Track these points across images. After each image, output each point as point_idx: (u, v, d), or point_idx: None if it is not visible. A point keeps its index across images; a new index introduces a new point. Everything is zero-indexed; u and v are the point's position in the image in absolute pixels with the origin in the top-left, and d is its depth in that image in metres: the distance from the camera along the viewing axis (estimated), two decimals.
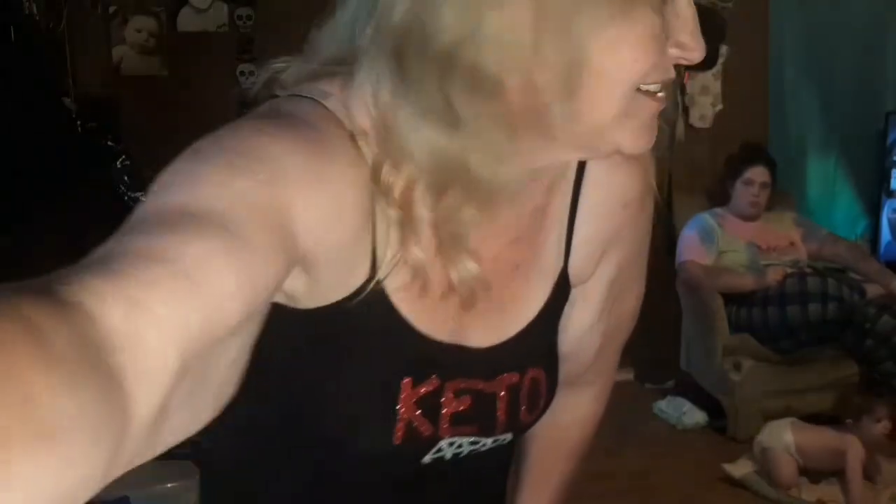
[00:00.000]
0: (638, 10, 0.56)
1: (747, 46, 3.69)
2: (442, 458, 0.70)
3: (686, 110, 3.70)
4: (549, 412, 0.76)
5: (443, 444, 0.70)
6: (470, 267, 0.63)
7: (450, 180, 0.59)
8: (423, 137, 0.57)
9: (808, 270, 3.13)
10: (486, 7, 0.53)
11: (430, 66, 0.55)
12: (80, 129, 2.70)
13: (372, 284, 0.62)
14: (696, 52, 0.63)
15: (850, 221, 3.92)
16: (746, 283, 3.07)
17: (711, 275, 3.17)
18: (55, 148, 2.51)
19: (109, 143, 2.75)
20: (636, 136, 0.61)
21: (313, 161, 0.56)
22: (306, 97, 0.61)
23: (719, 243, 3.23)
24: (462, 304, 0.66)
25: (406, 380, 0.66)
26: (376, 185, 0.60)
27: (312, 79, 0.62)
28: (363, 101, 0.60)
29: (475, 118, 0.56)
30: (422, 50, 0.55)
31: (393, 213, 0.61)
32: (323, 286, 0.61)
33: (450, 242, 0.63)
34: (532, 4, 0.53)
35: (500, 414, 0.71)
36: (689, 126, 3.71)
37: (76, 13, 3.09)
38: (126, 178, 2.78)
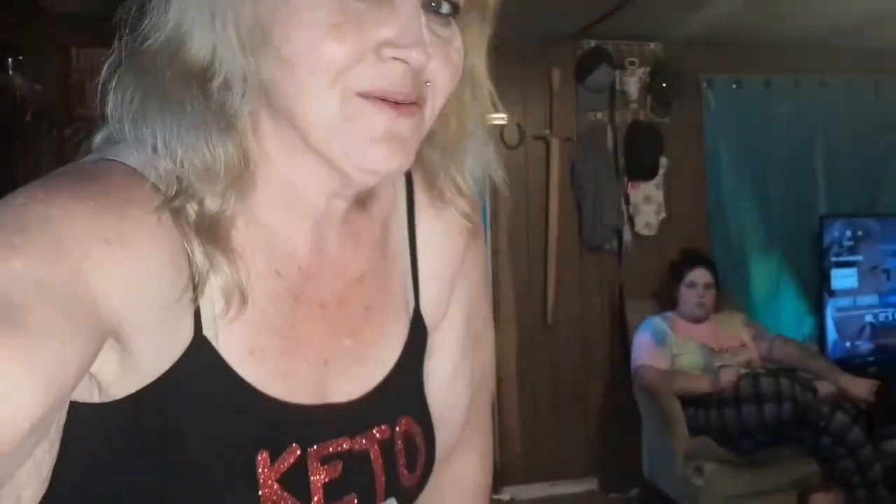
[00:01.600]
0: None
1: (685, 158, 3.89)
2: None
3: (631, 219, 3.83)
4: (433, 492, 0.71)
5: None
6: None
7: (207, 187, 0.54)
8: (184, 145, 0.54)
9: (760, 371, 3.18)
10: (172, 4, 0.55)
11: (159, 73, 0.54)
12: None
13: (196, 346, 0.55)
14: (411, 51, 0.54)
15: (796, 321, 4.02)
16: (702, 385, 3.10)
17: (667, 378, 3.19)
18: None
19: None
20: (366, 149, 0.56)
21: (102, 218, 0.50)
22: (105, 158, 0.56)
23: (672, 346, 3.28)
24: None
25: (261, 456, 0.58)
26: (179, 226, 0.54)
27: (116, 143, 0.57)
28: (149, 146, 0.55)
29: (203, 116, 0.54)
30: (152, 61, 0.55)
31: (201, 252, 0.54)
32: (142, 358, 0.53)
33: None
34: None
35: (378, 475, 0.64)
36: (635, 234, 3.83)
37: (31, 137, 3.12)
38: None
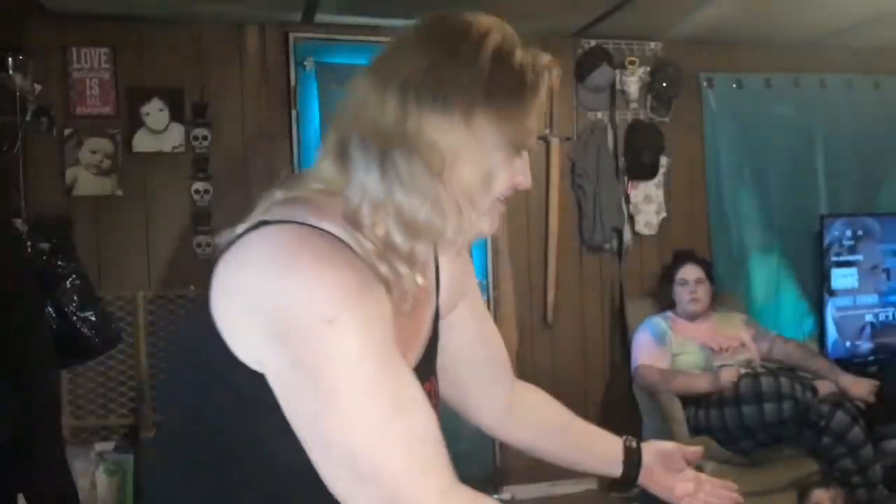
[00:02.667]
0: (513, 157, 0.86)
1: (685, 157, 3.89)
2: None
3: (632, 218, 3.83)
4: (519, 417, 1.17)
5: None
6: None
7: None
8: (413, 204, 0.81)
9: (761, 370, 3.18)
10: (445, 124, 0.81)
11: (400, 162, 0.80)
12: (30, 250, 2.67)
13: None
14: (526, 184, 0.89)
15: (797, 320, 4.03)
16: (702, 384, 3.10)
17: (667, 378, 3.19)
18: (2, 270, 2.47)
19: (60, 262, 2.72)
20: (491, 226, 0.88)
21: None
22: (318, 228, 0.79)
23: (672, 346, 3.28)
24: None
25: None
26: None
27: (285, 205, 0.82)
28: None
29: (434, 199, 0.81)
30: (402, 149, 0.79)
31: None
32: None
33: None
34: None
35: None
36: (635, 233, 3.83)
37: (30, 135, 3.12)
38: (75, 297, 2.73)
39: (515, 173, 0.86)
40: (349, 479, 0.72)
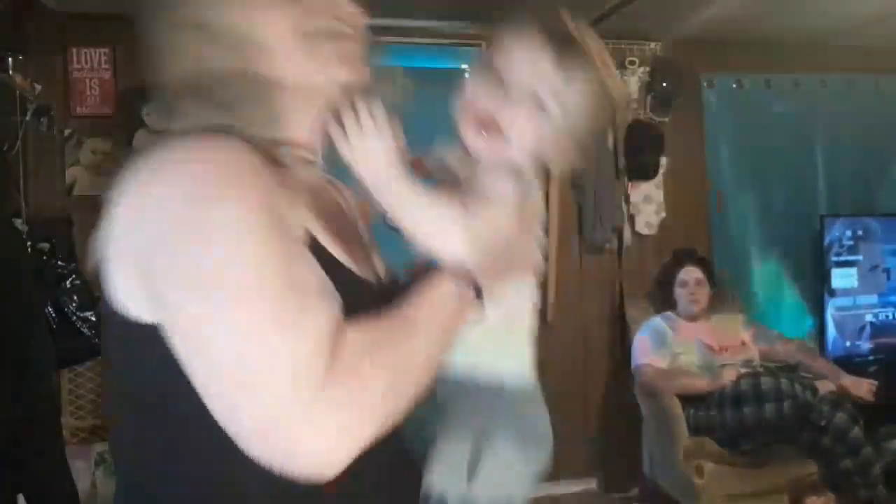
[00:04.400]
0: None
1: (685, 157, 3.89)
2: None
3: (632, 218, 3.83)
4: None
5: None
6: None
7: None
8: None
9: (761, 370, 3.18)
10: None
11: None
12: (30, 249, 2.67)
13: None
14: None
15: (796, 320, 4.03)
16: (701, 384, 3.10)
17: (667, 377, 3.19)
18: (2, 270, 2.47)
19: (60, 262, 2.72)
20: (329, 66, 0.80)
21: None
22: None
23: (672, 346, 3.28)
24: None
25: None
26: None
27: None
28: None
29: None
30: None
31: None
32: None
33: None
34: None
35: None
36: (635, 233, 3.83)
37: (30, 135, 3.12)
38: (75, 297, 2.74)
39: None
40: (229, 395, 0.65)
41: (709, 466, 3.01)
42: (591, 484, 3.68)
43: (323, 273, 0.74)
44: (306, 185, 0.83)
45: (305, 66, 0.79)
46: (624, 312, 3.71)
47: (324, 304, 0.69)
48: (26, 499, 2.23)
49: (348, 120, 0.78)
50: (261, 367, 0.64)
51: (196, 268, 0.65)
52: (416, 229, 0.81)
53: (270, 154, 0.76)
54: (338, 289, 0.74)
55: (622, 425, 3.60)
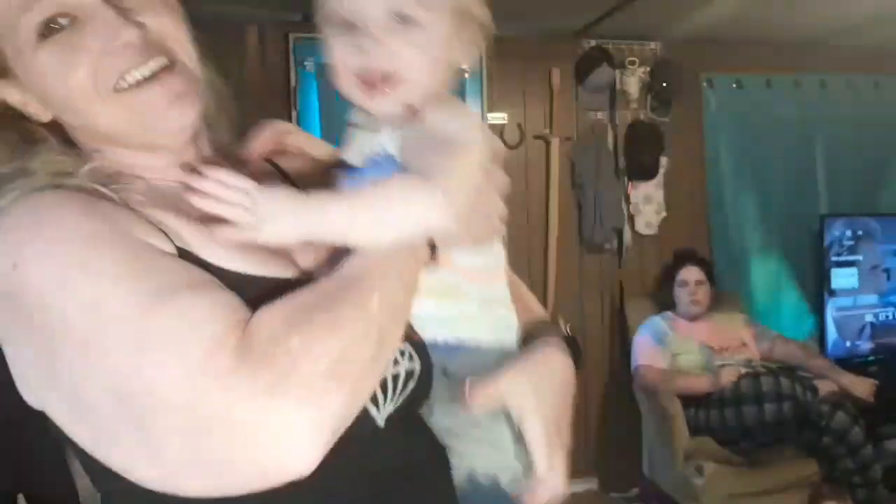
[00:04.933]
0: (32, 57, 0.68)
1: (685, 157, 3.89)
2: None
3: (632, 218, 3.83)
4: None
5: None
6: None
7: None
8: None
9: (761, 370, 3.18)
10: None
11: None
12: None
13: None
14: (120, 33, 0.69)
15: (797, 320, 4.02)
16: (702, 384, 3.10)
17: (667, 378, 3.19)
18: None
19: None
20: (159, 121, 0.71)
21: None
22: None
23: (672, 346, 3.28)
24: None
25: None
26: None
27: None
28: None
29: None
30: None
31: None
32: None
33: None
34: None
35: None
36: (635, 233, 3.83)
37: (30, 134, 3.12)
38: None
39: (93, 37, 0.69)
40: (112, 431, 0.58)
41: (709, 466, 3.01)
42: (592, 484, 3.68)
43: (199, 270, 0.65)
44: (174, 198, 0.71)
45: (118, 117, 0.71)
46: (624, 312, 3.71)
47: (203, 293, 0.61)
48: (26, 499, 2.23)
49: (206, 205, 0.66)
50: (153, 390, 0.56)
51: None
52: (383, 223, 0.69)
53: (101, 191, 0.68)
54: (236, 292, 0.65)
55: (622, 425, 3.60)
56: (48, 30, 0.67)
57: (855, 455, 2.91)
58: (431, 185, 0.69)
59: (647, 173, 3.79)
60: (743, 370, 3.11)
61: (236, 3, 3.17)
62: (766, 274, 4.03)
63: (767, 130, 3.99)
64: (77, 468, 2.80)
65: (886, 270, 3.98)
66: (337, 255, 0.70)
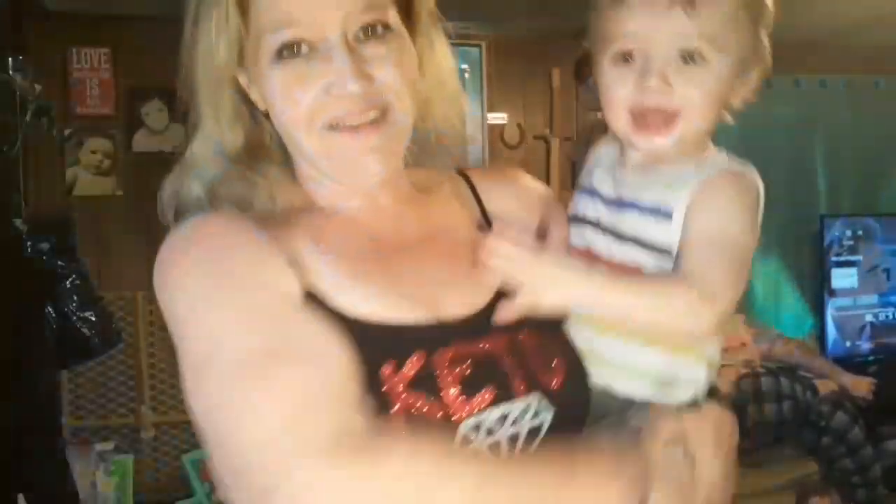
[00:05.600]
0: (268, 71, 0.74)
1: None
2: (497, 446, 0.67)
3: None
4: None
5: (470, 425, 0.67)
6: None
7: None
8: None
9: (761, 370, 3.18)
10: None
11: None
12: (30, 249, 2.67)
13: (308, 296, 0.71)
14: (345, 83, 0.72)
15: (797, 320, 4.02)
16: None
17: None
18: (2, 270, 2.47)
19: (60, 262, 2.72)
20: (348, 172, 0.76)
21: None
22: None
23: None
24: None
25: (386, 368, 0.67)
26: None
27: None
28: None
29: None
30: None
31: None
32: None
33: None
34: None
35: (510, 369, 0.71)
36: None
37: (30, 135, 3.12)
38: (75, 297, 2.74)
39: (317, 75, 0.73)
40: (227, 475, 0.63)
41: None
42: None
43: (313, 332, 0.66)
44: (328, 225, 0.77)
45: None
46: None
47: (301, 368, 0.63)
48: (26, 499, 2.23)
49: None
50: (238, 443, 0.60)
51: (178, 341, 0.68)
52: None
53: (267, 215, 0.76)
54: (353, 338, 0.66)
55: None
56: (288, 51, 0.72)
57: (855, 455, 2.91)
58: (709, 308, 0.70)
59: None
60: (743, 370, 3.11)
61: None
62: (765, 274, 4.03)
63: (767, 131, 3.99)
64: (76, 469, 2.80)
65: (886, 270, 3.98)
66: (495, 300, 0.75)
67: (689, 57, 0.73)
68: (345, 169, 0.76)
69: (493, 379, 0.70)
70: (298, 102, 0.73)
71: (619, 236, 0.77)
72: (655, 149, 0.77)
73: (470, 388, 0.69)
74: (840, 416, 2.90)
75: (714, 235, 0.74)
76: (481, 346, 0.72)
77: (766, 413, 2.95)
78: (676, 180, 0.76)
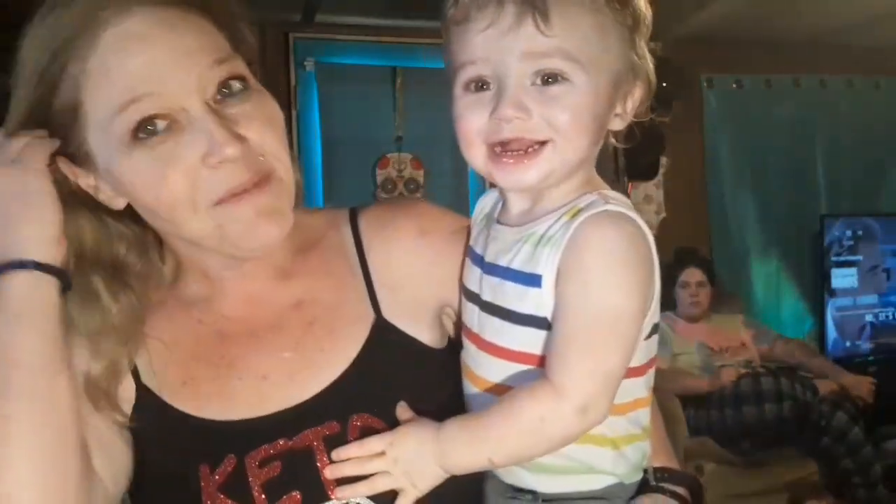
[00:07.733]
0: (122, 158, 0.67)
1: (685, 157, 3.89)
2: None
3: None
4: None
5: None
6: None
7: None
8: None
9: (761, 370, 3.17)
10: None
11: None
12: None
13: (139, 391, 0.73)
14: (223, 149, 0.65)
15: (797, 320, 4.02)
16: (701, 385, 3.10)
17: (667, 378, 3.19)
18: None
19: None
20: (248, 237, 0.69)
21: None
22: None
23: (672, 346, 3.28)
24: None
25: (202, 470, 0.68)
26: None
27: None
28: None
29: None
30: None
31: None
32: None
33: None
34: None
35: (323, 468, 0.68)
36: None
37: None
38: None
39: (182, 153, 0.67)
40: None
41: (709, 466, 3.01)
42: None
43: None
44: (175, 318, 0.77)
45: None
46: None
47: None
48: None
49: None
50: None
51: None
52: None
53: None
54: (179, 432, 0.72)
55: None
56: (144, 131, 0.65)
57: (855, 455, 2.90)
58: (574, 412, 0.65)
59: (647, 173, 3.79)
60: (742, 370, 3.11)
61: None
62: (766, 274, 4.03)
63: (767, 130, 3.99)
64: None
65: (886, 270, 3.98)
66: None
67: (549, 78, 0.64)
68: (240, 238, 0.68)
69: (302, 480, 0.67)
70: (174, 184, 0.65)
71: (498, 312, 0.69)
72: (520, 186, 0.68)
73: (277, 490, 0.67)
74: (840, 416, 2.90)
75: (580, 307, 0.66)
76: (296, 442, 0.69)
77: (766, 413, 2.95)
78: (545, 235, 0.67)
